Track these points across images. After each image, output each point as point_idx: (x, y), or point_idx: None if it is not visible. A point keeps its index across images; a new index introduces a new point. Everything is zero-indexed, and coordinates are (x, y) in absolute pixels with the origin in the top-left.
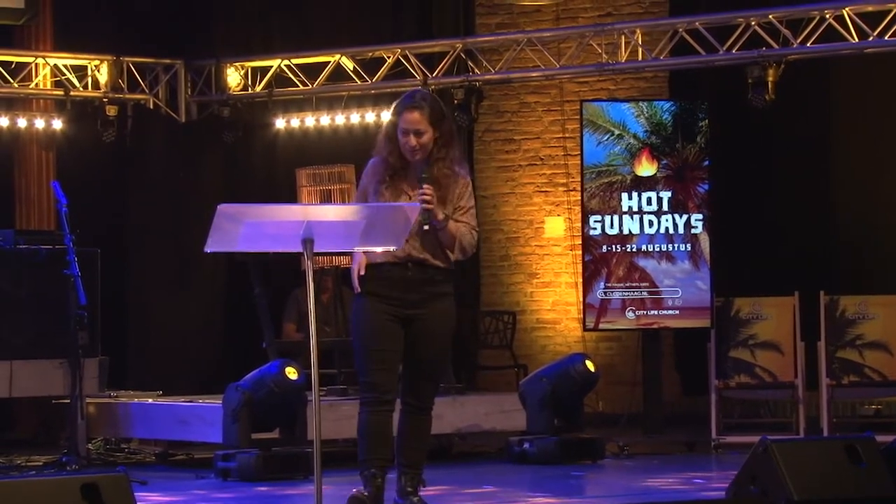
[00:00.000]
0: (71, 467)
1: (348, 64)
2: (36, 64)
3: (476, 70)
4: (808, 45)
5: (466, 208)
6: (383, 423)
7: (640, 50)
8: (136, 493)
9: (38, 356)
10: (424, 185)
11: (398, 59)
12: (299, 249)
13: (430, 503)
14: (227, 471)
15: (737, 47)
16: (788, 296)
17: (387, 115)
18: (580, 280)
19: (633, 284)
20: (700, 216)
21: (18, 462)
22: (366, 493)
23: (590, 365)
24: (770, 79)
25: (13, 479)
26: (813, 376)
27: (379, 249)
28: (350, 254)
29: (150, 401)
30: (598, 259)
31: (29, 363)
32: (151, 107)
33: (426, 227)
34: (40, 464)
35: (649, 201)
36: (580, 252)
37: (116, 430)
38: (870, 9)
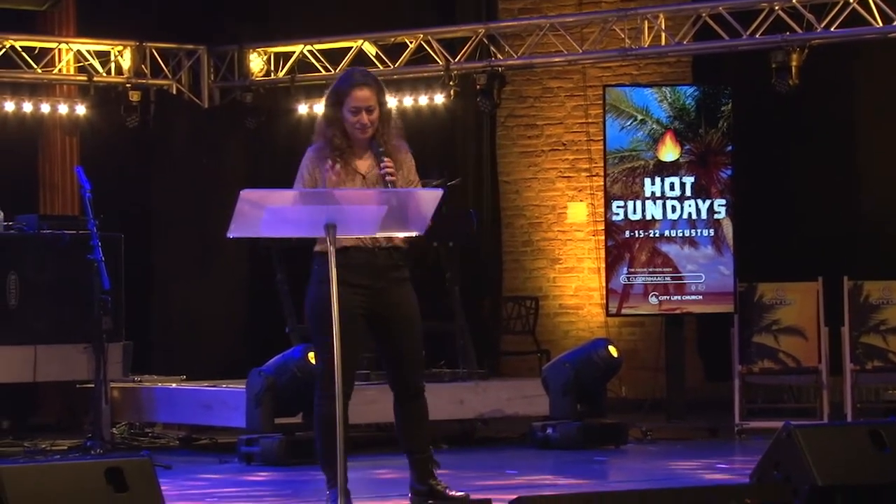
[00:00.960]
0: (95, 451)
1: (370, 49)
2: (59, 49)
3: (498, 55)
4: (832, 29)
5: (416, 181)
6: (346, 418)
7: (663, 35)
8: (159, 478)
9: (63, 341)
10: (385, 159)
11: (420, 44)
12: (322, 234)
13: (448, 482)
14: (250, 455)
15: (760, 32)
16: (812, 281)
17: (409, 101)
18: (603, 265)
19: (656, 270)
20: (723, 201)
21: (43, 446)
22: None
23: (613, 350)
24: (794, 64)
25: (38, 463)
26: (837, 361)
27: (401, 235)
28: None
29: (174, 385)
30: (620, 244)
31: (53, 348)
32: (174, 92)
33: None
34: (65, 448)
35: (672, 186)
36: (603, 237)
37: (140, 415)
38: None
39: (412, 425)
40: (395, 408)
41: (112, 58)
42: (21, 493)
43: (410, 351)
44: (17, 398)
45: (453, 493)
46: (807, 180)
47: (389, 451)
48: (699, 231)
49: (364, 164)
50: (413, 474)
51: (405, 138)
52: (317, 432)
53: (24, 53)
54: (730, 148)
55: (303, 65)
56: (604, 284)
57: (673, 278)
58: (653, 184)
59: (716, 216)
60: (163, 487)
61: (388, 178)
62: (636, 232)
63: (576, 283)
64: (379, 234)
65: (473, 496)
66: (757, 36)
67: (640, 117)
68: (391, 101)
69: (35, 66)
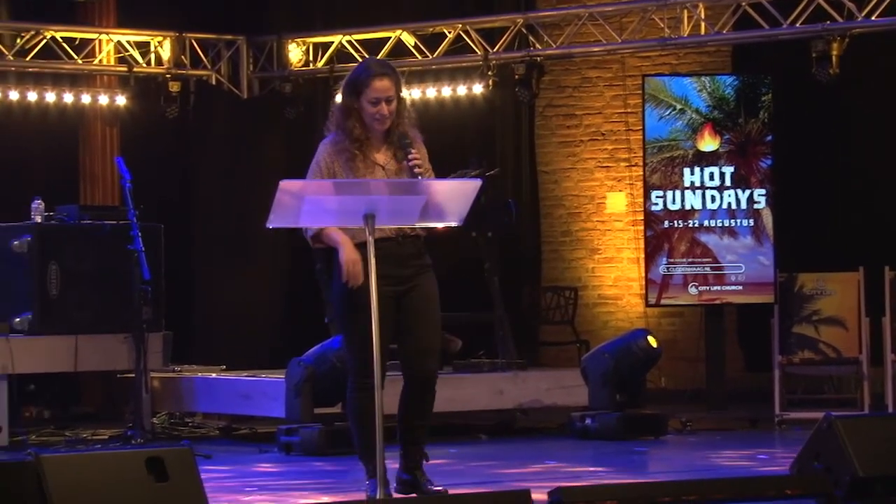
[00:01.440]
0: (136, 441)
1: (409, 39)
2: (100, 40)
3: (537, 45)
4: (873, 18)
5: (431, 172)
6: (373, 408)
7: (702, 24)
8: (200, 467)
9: (103, 331)
10: (412, 150)
11: (459, 34)
12: (361, 225)
13: (431, 476)
14: (289, 445)
15: (801, 21)
16: (853, 271)
17: (448, 91)
18: (642, 256)
19: (696, 260)
20: (763, 191)
21: (84, 436)
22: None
23: (652, 341)
24: (834, 53)
25: (79, 452)
26: (878, 352)
27: (440, 226)
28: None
29: (214, 375)
30: (659, 234)
31: (94, 338)
32: (214, 83)
33: None
34: (106, 437)
35: (711, 176)
36: (642, 227)
37: (180, 405)
38: None
39: (416, 415)
40: (401, 395)
41: (152, 48)
42: (62, 483)
43: (427, 339)
44: (59, 388)
45: (434, 487)
46: (847, 170)
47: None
48: (739, 221)
49: (382, 156)
50: (402, 463)
51: (420, 128)
52: (352, 424)
53: (64, 44)
54: (770, 138)
55: (342, 55)
56: (643, 274)
57: (713, 268)
58: (692, 173)
59: (756, 206)
60: (203, 477)
61: (416, 169)
62: (675, 222)
63: (615, 273)
64: (418, 225)
65: (512, 486)
66: (797, 25)
67: (679, 107)
68: (430, 92)
69: (76, 56)
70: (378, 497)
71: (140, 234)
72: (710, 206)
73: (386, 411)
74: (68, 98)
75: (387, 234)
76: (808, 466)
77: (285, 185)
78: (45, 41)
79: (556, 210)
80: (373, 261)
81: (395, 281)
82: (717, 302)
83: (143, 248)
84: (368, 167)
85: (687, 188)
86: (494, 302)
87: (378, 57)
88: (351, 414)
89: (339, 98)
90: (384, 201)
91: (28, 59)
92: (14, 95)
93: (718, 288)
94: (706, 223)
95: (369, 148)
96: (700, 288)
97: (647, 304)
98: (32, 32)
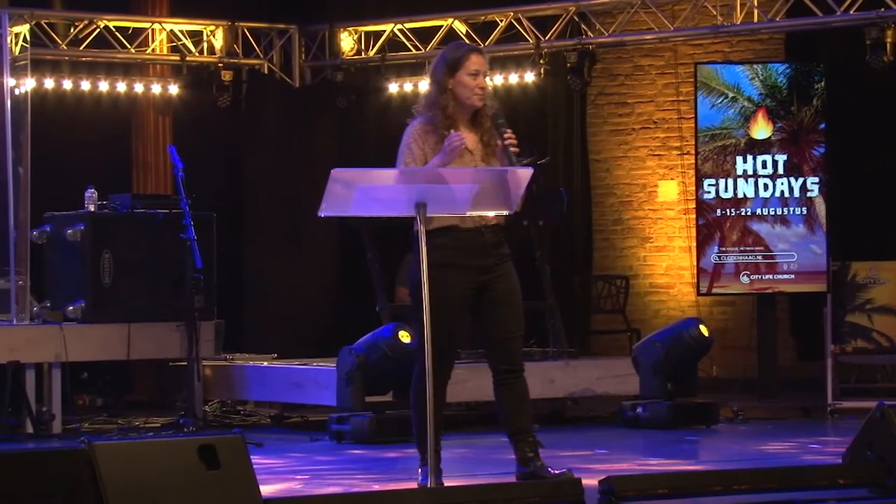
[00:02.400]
0: (188, 429)
1: (461, 28)
2: (152, 30)
3: (589, 33)
4: None
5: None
6: (443, 399)
7: (755, 11)
8: (251, 455)
9: (156, 319)
10: (507, 130)
11: (511, 22)
12: (412, 214)
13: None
14: (341, 433)
15: (854, 8)
16: None
17: (499, 79)
18: (694, 244)
19: (747, 249)
20: (816, 179)
21: (137, 423)
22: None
23: (704, 329)
24: (889, 40)
25: (131, 440)
26: None
27: (491, 213)
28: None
29: (266, 364)
30: (711, 223)
31: (146, 326)
32: (266, 72)
33: None
34: (158, 425)
35: (764, 164)
36: (694, 216)
37: (232, 393)
38: None
39: (513, 405)
40: (494, 388)
41: (204, 37)
42: (115, 470)
43: (512, 329)
44: (111, 376)
45: (554, 472)
46: None
47: (480, 430)
48: (791, 209)
49: (470, 140)
50: (515, 455)
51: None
52: (414, 409)
53: (117, 34)
54: (823, 126)
55: (393, 44)
56: (695, 263)
57: (764, 257)
58: (745, 162)
59: (808, 194)
60: (254, 465)
61: (512, 149)
62: (727, 210)
63: (666, 261)
64: (470, 213)
65: (562, 471)
66: (851, 12)
67: (731, 95)
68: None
69: (129, 46)
70: (428, 485)
71: (192, 222)
72: (762, 194)
73: (449, 399)
74: (121, 87)
75: (468, 225)
76: (861, 456)
77: (337, 173)
78: (98, 30)
79: (607, 199)
80: (424, 250)
81: (477, 271)
82: (769, 291)
83: (196, 237)
84: (459, 152)
85: (739, 176)
86: (546, 291)
87: (430, 45)
88: (413, 399)
89: (426, 83)
90: (436, 189)
91: (81, 48)
92: (67, 85)
93: (770, 277)
94: (758, 211)
95: (454, 130)
96: (752, 277)
97: (699, 293)
98: (86, 22)
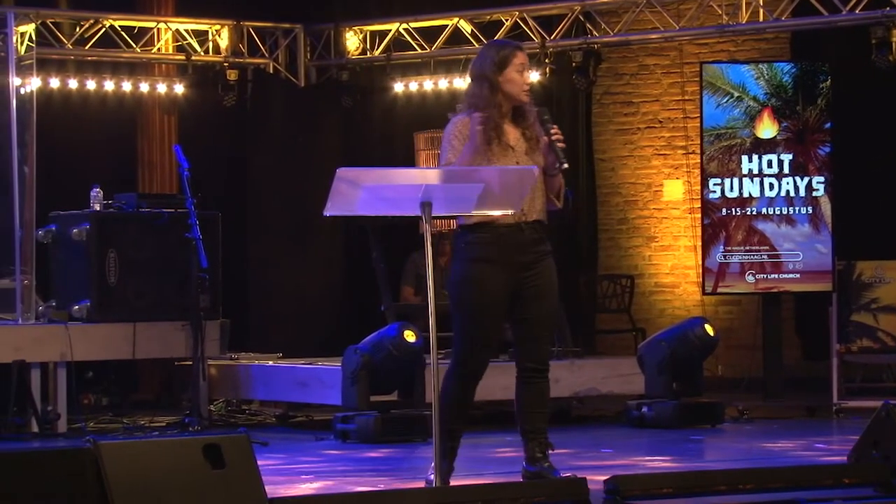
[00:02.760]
0: (193, 428)
1: (466, 27)
2: (158, 29)
3: (594, 32)
4: None
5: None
6: (470, 398)
7: (760, 11)
8: (256, 454)
9: (161, 318)
10: (553, 126)
11: (516, 21)
12: (417, 213)
13: (558, 466)
14: (346, 433)
15: (860, 7)
16: None
17: None
18: (699, 244)
19: (753, 248)
20: (821, 179)
21: (142, 422)
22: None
23: (709, 329)
24: (894, 39)
25: (137, 439)
26: None
27: (497, 213)
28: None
29: (271, 363)
30: (716, 222)
31: (151, 325)
32: (271, 71)
33: (565, 166)
34: (163, 424)
35: (770, 164)
36: (699, 215)
37: (237, 392)
38: None
39: (536, 404)
40: (517, 384)
41: (210, 37)
42: (120, 470)
43: (544, 328)
44: (117, 375)
45: (560, 475)
46: None
47: (485, 430)
48: (797, 209)
49: (512, 136)
50: (525, 454)
51: None
52: (441, 406)
53: (123, 33)
54: (828, 125)
55: (398, 43)
56: (700, 263)
57: (770, 256)
58: (750, 161)
59: (814, 194)
60: (259, 464)
61: (559, 144)
62: (732, 210)
63: (672, 261)
64: (474, 212)
65: (568, 475)
66: (856, 11)
67: (736, 94)
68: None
69: (134, 45)
70: (434, 484)
71: (198, 221)
72: (768, 193)
73: (477, 398)
74: (127, 86)
75: (507, 221)
76: (866, 455)
77: (343, 172)
78: (103, 30)
79: (612, 198)
80: (429, 249)
81: (517, 267)
82: (775, 290)
83: (201, 236)
84: (502, 150)
85: (745, 176)
86: None
87: (435, 45)
88: (444, 397)
89: (468, 82)
90: (441, 189)
91: (87, 47)
92: (73, 84)
93: (776, 276)
94: (764, 211)
95: (503, 129)
96: (757, 276)
97: (704, 293)
98: (91, 21)
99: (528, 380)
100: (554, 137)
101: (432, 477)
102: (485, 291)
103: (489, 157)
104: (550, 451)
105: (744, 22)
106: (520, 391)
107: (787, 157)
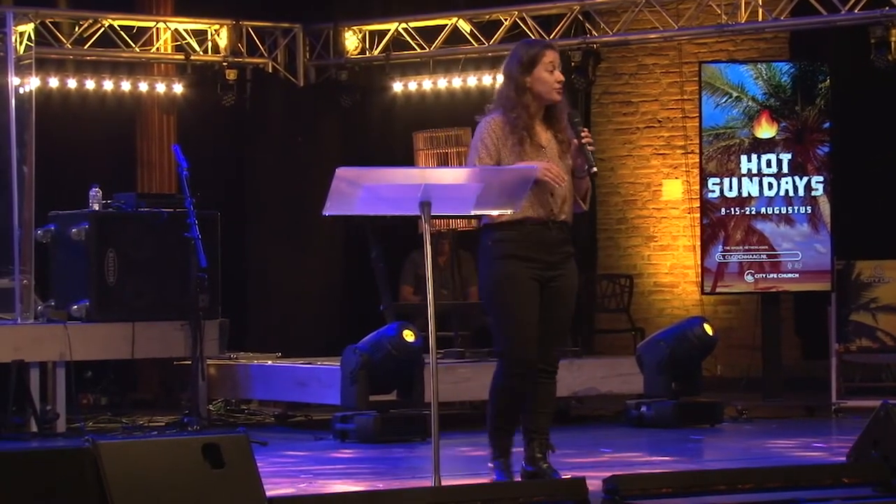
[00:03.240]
0: (192, 427)
1: (465, 27)
2: (157, 28)
3: (594, 32)
4: None
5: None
6: (524, 395)
7: (759, 10)
8: (255, 454)
9: (160, 318)
10: (583, 129)
11: (515, 21)
12: (417, 213)
13: (557, 468)
14: (345, 432)
15: (859, 7)
16: None
17: None
18: (698, 243)
19: (752, 248)
20: (820, 178)
21: (141, 422)
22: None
23: (708, 328)
24: (893, 39)
25: (136, 439)
26: None
27: (495, 213)
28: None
29: (270, 363)
30: (715, 222)
31: (150, 325)
32: (270, 71)
33: (595, 170)
34: (162, 424)
35: (769, 164)
36: (698, 215)
37: (236, 392)
38: None
39: (542, 404)
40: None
41: (209, 36)
42: (119, 469)
43: (561, 329)
44: (116, 375)
45: (560, 476)
46: None
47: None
48: (796, 208)
49: (543, 137)
50: (527, 454)
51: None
52: (492, 405)
53: (122, 32)
54: (827, 125)
55: (397, 43)
56: (699, 262)
57: (769, 256)
58: (749, 161)
59: (813, 193)
60: (259, 464)
61: (589, 147)
62: (731, 209)
63: (671, 260)
64: (473, 212)
65: (568, 475)
66: (855, 11)
67: (735, 94)
68: (486, 79)
69: (133, 45)
70: (434, 483)
71: (197, 221)
72: (767, 193)
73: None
74: (126, 86)
75: (536, 218)
76: (865, 454)
77: (342, 172)
78: (102, 29)
79: (611, 197)
80: (428, 248)
81: (543, 266)
82: (774, 290)
83: (200, 236)
84: (535, 151)
85: (744, 175)
86: None
87: (434, 44)
88: (495, 396)
89: (501, 81)
90: (440, 189)
91: (86, 47)
92: (72, 83)
93: (775, 276)
94: (763, 210)
95: (534, 130)
96: (756, 276)
97: (703, 292)
98: (90, 21)
99: (538, 380)
100: (584, 140)
101: (498, 475)
102: (519, 286)
103: (523, 158)
104: (550, 453)
105: (743, 22)
106: (529, 390)
107: (785, 157)
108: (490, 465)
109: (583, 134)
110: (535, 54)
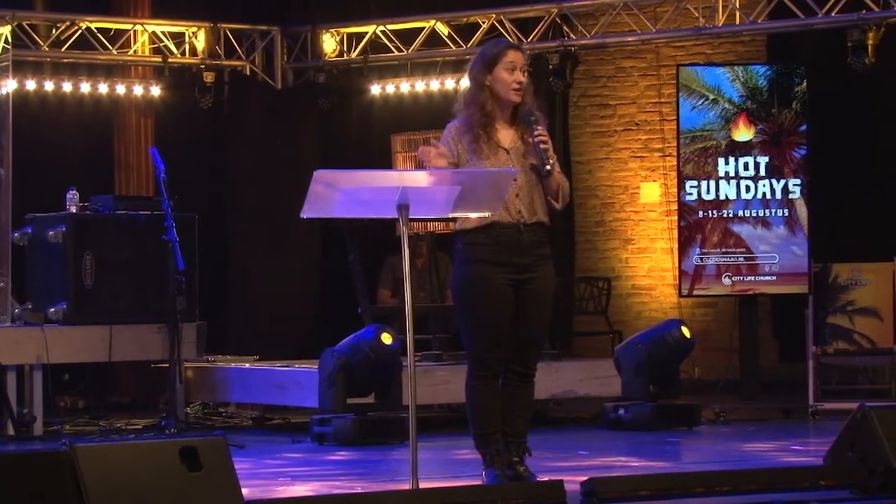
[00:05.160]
0: (170, 431)
1: (443, 29)
2: (134, 31)
3: (571, 35)
4: None
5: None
6: (496, 397)
7: (737, 13)
8: (233, 457)
9: (137, 321)
10: (538, 127)
11: (493, 24)
12: (394, 215)
13: (535, 471)
14: (323, 435)
15: (836, 10)
16: (888, 261)
17: None
18: (676, 246)
19: (729, 250)
20: (798, 181)
21: (118, 425)
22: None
23: (686, 331)
24: (870, 42)
25: (113, 442)
26: None
27: (474, 216)
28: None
29: (248, 365)
30: (692, 225)
31: (128, 328)
32: (248, 73)
33: (548, 168)
34: (140, 427)
35: (746, 166)
36: (676, 217)
37: (214, 395)
38: None
39: (519, 407)
40: (502, 387)
41: (186, 39)
42: (96, 472)
43: (536, 332)
44: (93, 378)
45: (540, 479)
46: (882, 159)
47: (461, 432)
48: (772, 211)
49: (508, 139)
50: (503, 457)
51: (545, 113)
52: (470, 413)
53: (99, 35)
54: (804, 127)
55: (375, 45)
56: (677, 265)
57: (746, 259)
58: (726, 163)
59: (790, 196)
60: (236, 467)
61: (542, 146)
62: (709, 212)
63: (648, 263)
64: (451, 215)
65: (545, 477)
66: (833, 14)
67: (711, 97)
68: (464, 82)
69: (110, 47)
70: (412, 486)
71: (174, 224)
72: (744, 195)
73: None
74: (103, 88)
75: (505, 223)
76: (842, 457)
77: (319, 175)
78: (80, 32)
79: (589, 200)
80: (406, 251)
81: (515, 269)
82: (751, 292)
83: (178, 239)
84: (492, 150)
85: (721, 178)
86: None
87: (412, 47)
88: (468, 402)
89: (464, 82)
90: (417, 192)
91: (63, 49)
92: (49, 86)
93: (752, 278)
94: (740, 213)
95: (494, 129)
96: (733, 278)
97: (681, 295)
98: (68, 23)
99: (514, 383)
100: (538, 138)
101: (489, 479)
102: (490, 289)
103: (479, 158)
104: (527, 456)
105: (720, 24)
106: (506, 393)
107: (763, 160)
108: (482, 472)
109: (536, 131)
110: (497, 53)
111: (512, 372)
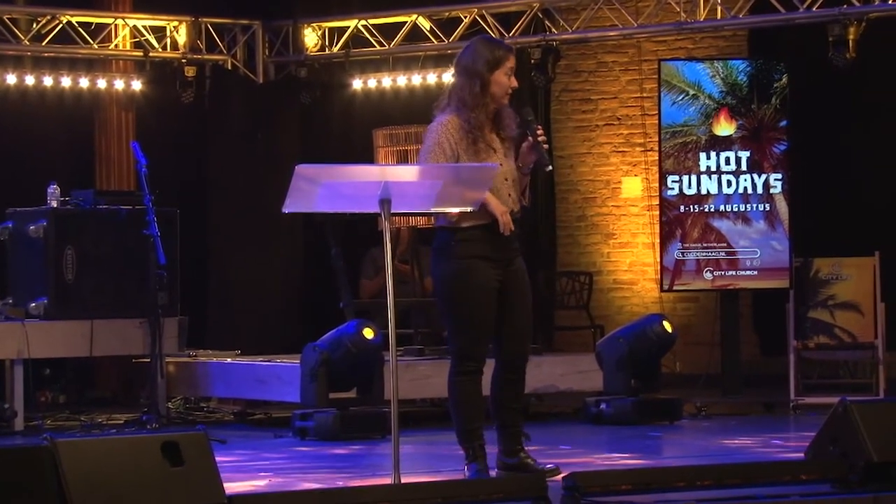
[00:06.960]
0: (151, 426)
1: (425, 24)
2: (115, 25)
3: (553, 29)
4: (890, 2)
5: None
6: (480, 392)
7: (718, 8)
8: (215, 452)
9: (119, 316)
10: (538, 127)
11: (475, 18)
12: (376, 210)
13: (453, 459)
14: (304, 430)
15: (817, 5)
16: (869, 256)
17: None
18: (657, 241)
19: (710, 245)
20: (779, 176)
21: (100, 420)
22: (482, 468)
23: (667, 325)
24: (851, 37)
25: (94, 437)
26: (893, 337)
27: (455, 210)
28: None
29: (229, 360)
30: (673, 220)
31: (109, 322)
32: (229, 67)
33: (549, 168)
34: (121, 422)
35: (727, 161)
36: (657, 212)
37: (195, 390)
38: None
39: (510, 399)
40: (494, 378)
41: (168, 33)
42: (78, 468)
43: (524, 324)
44: (74, 373)
45: (546, 466)
46: (863, 154)
47: (444, 427)
48: (753, 206)
49: (492, 137)
50: (503, 447)
51: None
52: (452, 407)
53: (80, 29)
54: (784, 123)
55: (357, 39)
56: (658, 260)
57: (727, 254)
58: (708, 158)
59: (771, 191)
60: (218, 462)
61: (544, 145)
62: (690, 207)
63: (630, 258)
64: (434, 210)
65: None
66: (814, 9)
67: (692, 92)
68: (446, 76)
69: (91, 41)
70: (394, 481)
71: (156, 218)
72: (725, 190)
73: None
74: (84, 83)
75: (488, 219)
76: (823, 451)
77: (301, 169)
78: (60, 26)
79: (571, 195)
80: (388, 246)
81: (499, 263)
82: (732, 287)
83: (159, 233)
84: (487, 150)
85: (703, 173)
86: None
87: (394, 41)
88: (452, 397)
89: (455, 78)
90: (399, 186)
91: (44, 43)
92: (30, 80)
93: (733, 273)
94: (721, 208)
95: (484, 129)
96: (714, 273)
97: (662, 290)
98: (48, 17)
99: (507, 376)
100: (540, 138)
101: (472, 473)
102: (479, 285)
103: (478, 159)
104: (526, 442)
105: (702, 19)
106: (498, 386)
107: (744, 155)
108: (465, 465)
109: (538, 132)
110: (501, 56)
111: (506, 363)
